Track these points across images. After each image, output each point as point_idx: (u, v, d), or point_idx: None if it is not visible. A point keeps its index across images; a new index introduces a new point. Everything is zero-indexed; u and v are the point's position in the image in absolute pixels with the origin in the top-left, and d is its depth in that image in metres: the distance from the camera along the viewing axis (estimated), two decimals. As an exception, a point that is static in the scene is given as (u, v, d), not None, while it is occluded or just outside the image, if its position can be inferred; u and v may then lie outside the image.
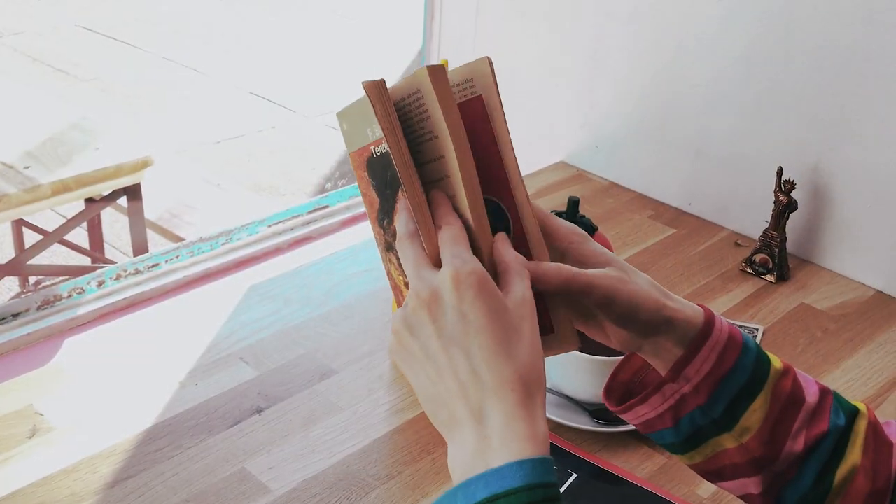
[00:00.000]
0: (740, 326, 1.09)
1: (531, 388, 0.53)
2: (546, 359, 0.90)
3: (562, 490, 0.81)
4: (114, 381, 0.94)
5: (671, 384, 0.65)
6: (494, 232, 0.60)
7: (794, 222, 1.22)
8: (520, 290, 0.56)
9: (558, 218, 0.66)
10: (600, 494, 0.81)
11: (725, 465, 0.67)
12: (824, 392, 0.67)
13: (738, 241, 1.30)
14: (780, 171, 1.18)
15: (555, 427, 0.89)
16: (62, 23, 5.62)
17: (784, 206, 1.18)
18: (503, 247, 0.58)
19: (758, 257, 1.21)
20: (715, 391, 0.64)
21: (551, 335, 0.62)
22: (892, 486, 0.65)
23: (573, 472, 0.83)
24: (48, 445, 0.84)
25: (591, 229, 1.05)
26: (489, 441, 0.52)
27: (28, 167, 2.03)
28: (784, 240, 1.20)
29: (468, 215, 0.57)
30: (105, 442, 0.85)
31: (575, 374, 0.90)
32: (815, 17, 1.16)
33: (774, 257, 1.20)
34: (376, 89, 0.55)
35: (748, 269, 1.22)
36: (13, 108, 2.44)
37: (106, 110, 4.35)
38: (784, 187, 1.18)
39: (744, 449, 0.65)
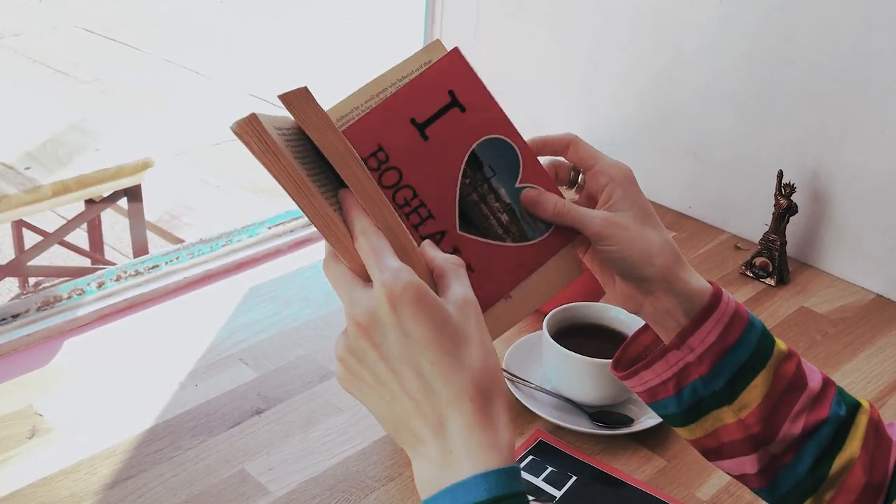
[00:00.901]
0: (740, 329, 1.09)
1: (489, 394, 0.53)
2: (546, 361, 0.92)
3: (561, 492, 0.81)
4: (114, 382, 0.94)
5: (675, 351, 0.66)
6: (507, 170, 0.64)
7: (794, 226, 1.22)
8: (459, 291, 0.54)
9: (551, 136, 0.68)
10: (600, 497, 0.81)
11: (724, 442, 0.68)
12: (828, 382, 0.69)
13: (738, 245, 1.30)
14: (780, 175, 1.18)
15: (555, 429, 0.89)
16: (62, 24, 5.63)
17: (784, 210, 1.19)
18: (432, 251, 0.57)
19: (758, 260, 1.21)
20: (718, 363, 0.65)
21: (507, 301, 0.63)
22: (888, 482, 0.66)
23: (573, 475, 0.83)
24: (48, 446, 0.84)
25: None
26: (452, 454, 0.51)
27: (28, 168, 2.03)
28: (784, 243, 1.20)
29: (380, 223, 0.54)
30: (105, 443, 0.85)
31: (575, 376, 0.90)
32: (814, 21, 1.16)
33: (774, 260, 1.20)
34: (248, 126, 0.52)
35: (748, 273, 1.22)
36: (13, 110, 2.44)
37: (106, 111, 4.35)
38: (784, 191, 1.18)
39: (742, 425, 0.66)
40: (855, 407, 0.68)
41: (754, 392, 0.66)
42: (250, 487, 0.81)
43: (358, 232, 0.55)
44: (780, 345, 0.68)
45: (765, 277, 1.20)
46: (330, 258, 0.57)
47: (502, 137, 0.66)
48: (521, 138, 0.66)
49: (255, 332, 1.03)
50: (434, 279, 0.55)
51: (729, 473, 0.70)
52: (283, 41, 5.60)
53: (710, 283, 0.68)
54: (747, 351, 0.66)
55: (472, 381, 0.52)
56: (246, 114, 0.52)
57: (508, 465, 0.51)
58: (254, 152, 0.53)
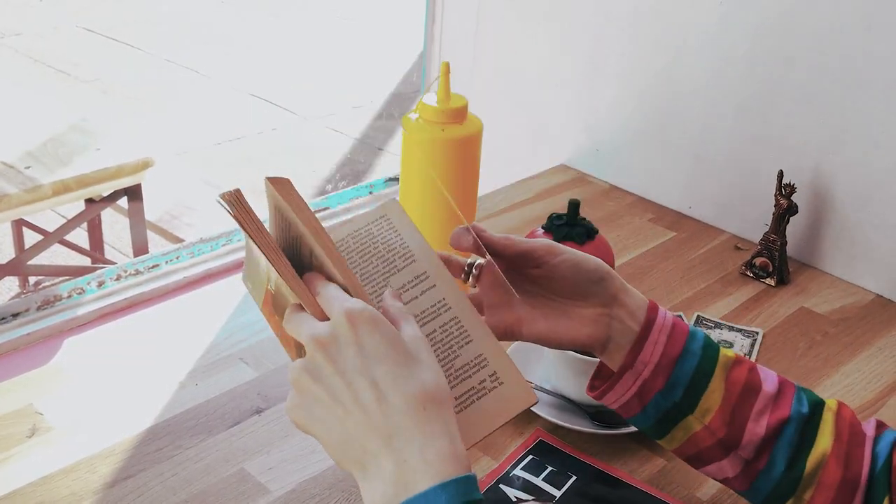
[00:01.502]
0: (740, 330, 1.09)
1: (442, 406, 0.54)
2: (546, 360, 0.93)
3: (561, 492, 0.81)
4: (113, 382, 0.94)
5: (630, 371, 0.69)
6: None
7: (794, 226, 1.23)
8: (410, 330, 0.58)
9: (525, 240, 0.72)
10: (600, 497, 0.81)
11: (700, 448, 0.71)
12: (785, 384, 0.72)
13: (739, 245, 1.30)
14: (780, 175, 1.19)
15: (554, 429, 0.89)
16: (63, 24, 5.63)
17: (784, 210, 1.19)
18: (389, 301, 0.61)
19: (758, 261, 1.21)
20: (671, 375, 0.69)
21: (503, 387, 0.66)
22: (866, 476, 0.67)
23: (572, 475, 0.83)
24: (48, 445, 0.84)
25: (591, 232, 1.05)
26: (408, 465, 0.52)
27: (29, 167, 2.04)
28: (784, 243, 1.20)
29: (342, 281, 0.59)
30: (104, 442, 0.85)
31: (574, 376, 0.90)
32: (815, 21, 1.16)
33: (774, 261, 1.20)
34: (234, 197, 0.59)
35: (748, 273, 1.22)
36: (14, 109, 2.44)
37: (106, 111, 4.35)
38: (784, 191, 1.18)
39: (708, 430, 0.69)
40: (818, 404, 0.71)
41: (712, 397, 0.69)
42: (250, 487, 0.81)
43: (320, 287, 0.59)
44: (727, 352, 0.71)
45: (765, 278, 1.20)
46: (289, 312, 0.60)
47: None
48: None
49: (256, 332, 1.03)
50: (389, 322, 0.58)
51: (714, 478, 0.72)
52: (284, 41, 5.60)
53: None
54: (695, 358, 0.69)
55: (425, 392, 0.53)
56: (232, 188, 0.60)
57: (466, 473, 0.52)
58: (239, 219, 0.59)
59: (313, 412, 0.56)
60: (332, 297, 0.57)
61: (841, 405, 0.72)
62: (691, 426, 0.70)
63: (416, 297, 0.70)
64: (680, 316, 1.08)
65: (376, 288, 0.70)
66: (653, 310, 0.70)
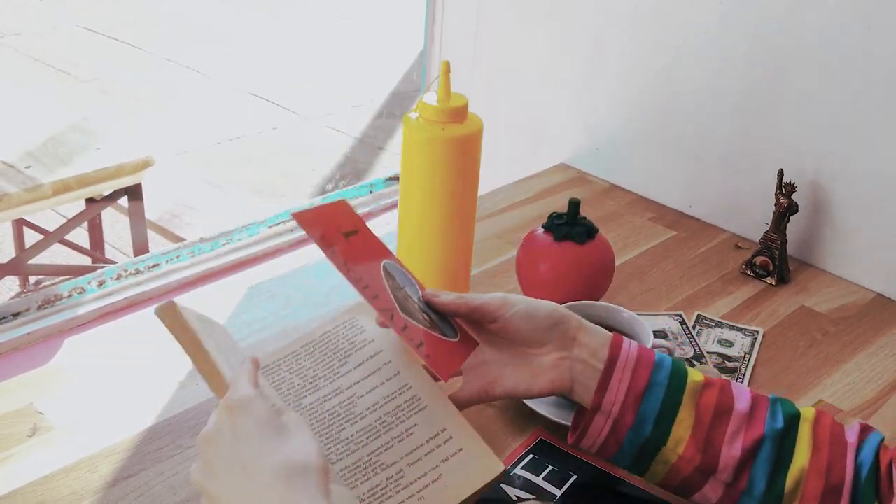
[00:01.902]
0: (740, 329, 1.09)
1: (307, 477, 0.56)
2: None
3: (562, 491, 0.81)
4: (114, 381, 0.94)
5: (600, 412, 0.71)
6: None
7: (794, 225, 1.23)
8: (287, 411, 0.62)
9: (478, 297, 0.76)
10: (600, 496, 0.81)
11: (682, 479, 0.72)
12: (759, 400, 0.72)
13: (739, 244, 1.30)
14: (780, 174, 1.19)
15: (555, 428, 0.89)
16: (63, 23, 5.63)
17: (785, 209, 1.19)
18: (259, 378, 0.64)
19: (758, 260, 1.21)
20: (638, 410, 0.70)
21: (426, 355, 0.71)
22: (850, 484, 0.67)
23: (573, 474, 0.83)
24: (48, 444, 0.84)
25: (591, 231, 1.05)
26: None
27: (29, 167, 2.04)
28: (784, 242, 1.20)
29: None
30: (105, 441, 0.85)
31: (575, 375, 0.90)
32: (815, 20, 1.16)
33: (775, 260, 1.20)
34: (165, 310, 0.69)
35: (748, 272, 1.22)
36: (14, 109, 2.44)
37: (107, 111, 4.35)
38: (785, 190, 1.18)
39: (684, 459, 0.70)
40: (794, 418, 0.71)
41: (682, 426, 0.70)
42: (251, 486, 0.81)
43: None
44: (696, 376, 0.72)
45: (765, 277, 1.20)
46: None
47: (396, 264, 0.79)
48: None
49: (256, 331, 1.03)
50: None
51: None
52: (284, 40, 5.60)
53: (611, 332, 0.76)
54: (661, 389, 0.70)
55: (290, 464, 0.56)
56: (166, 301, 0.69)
57: None
58: (174, 333, 0.67)
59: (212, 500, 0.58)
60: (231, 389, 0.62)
61: (820, 414, 0.72)
62: (667, 458, 0.71)
63: (382, 384, 0.79)
64: (679, 315, 1.08)
65: (333, 377, 0.79)
66: (615, 346, 0.72)
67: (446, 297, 0.76)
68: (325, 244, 0.72)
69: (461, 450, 0.75)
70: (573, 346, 0.73)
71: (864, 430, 0.71)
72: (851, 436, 0.70)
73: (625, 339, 0.74)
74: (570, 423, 0.88)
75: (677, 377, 0.71)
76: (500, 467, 0.75)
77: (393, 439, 0.75)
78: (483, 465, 0.75)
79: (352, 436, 0.76)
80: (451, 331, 0.77)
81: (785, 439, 0.69)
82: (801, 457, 0.68)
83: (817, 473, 0.68)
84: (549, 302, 0.75)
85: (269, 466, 0.56)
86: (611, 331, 0.94)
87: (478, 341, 0.78)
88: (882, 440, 0.71)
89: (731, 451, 0.69)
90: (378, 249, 0.79)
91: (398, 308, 0.73)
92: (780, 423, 0.70)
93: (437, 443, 0.75)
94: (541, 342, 0.74)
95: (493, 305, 0.74)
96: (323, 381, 0.79)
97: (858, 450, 0.69)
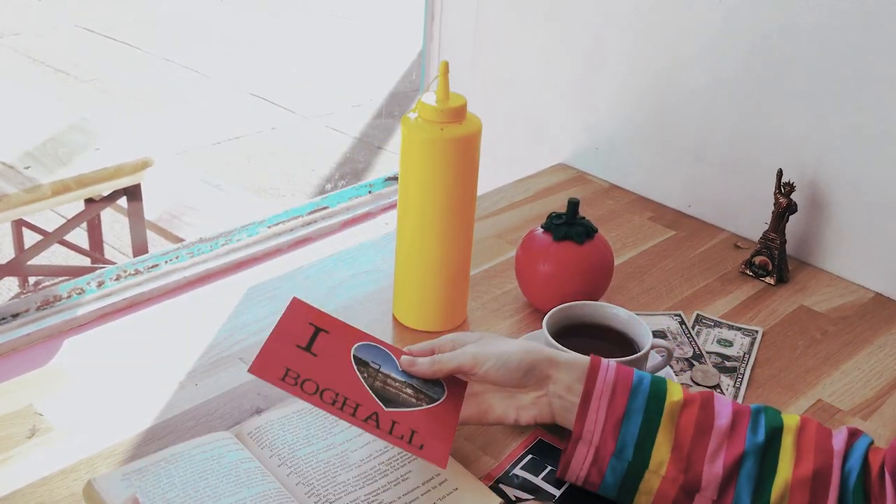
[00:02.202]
0: (739, 329, 1.09)
1: None
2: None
3: (561, 491, 0.81)
4: (113, 382, 0.94)
5: (581, 442, 0.73)
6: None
7: (793, 224, 1.23)
8: None
9: (437, 340, 0.81)
10: (599, 496, 0.81)
11: (669, 503, 0.72)
12: (740, 413, 0.72)
13: (738, 244, 1.30)
14: (779, 174, 1.19)
15: (553, 427, 0.89)
16: (62, 23, 5.62)
17: (784, 209, 1.19)
18: None
19: (757, 259, 1.21)
20: (618, 436, 0.72)
21: (418, 449, 0.74)
22: (836, 492, 0.67)
23: (572, 474, 0.83)
24: (47, 445, 0.84)
25: (591, 231, 1.05)
26: None
27: (28, 167, 2.03)
28: (784, 242, 1.20)
29: None
30: (104, 442, 0.85)
31: (574, 375, 0.90)
32: (814, 20, 1.16)
33: (774, 259, 1.20)
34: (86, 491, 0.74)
35: (748, 272, 1.22)
36: (13, 109, 2.44)
37: (106, 111, 4.35)
38: (784, 189, 1.18)
39: (668, 480, 0.71)
40: (776, 429, 0.71)
41: (661, 450, 0.71)
42: (250, 487, 0.81)
43: None
44: (675, 395, 0.73)
45: (764, 276, 1.20)
46: None
47: (368, 343, 0.81)
48: (376, 338, 0.83)
49: (255, 332, 1.03)
50: None
51: None
52: (283, 40, 5.60)
53: (590, 356, 0.77)
54: (638, 416, 0.72)
55: None
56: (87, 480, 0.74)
57: None
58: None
59: None
60: None
61: (804, 422, 0.72)
62: (652, 483, 0.71)
63: (373, 441, 0.82)
64: (678, 314, 1.08)
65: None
66: (591, 377, 0.74)
67: (421, 367, 0.79)
68: (289, 384, 0.73)
69: (457, 489, 0.78)
70: (548, 383, 0.76)
71: (853, 436, 0.71)
72: (839, 442, 0.70)
73: (602, 364, 0.75)
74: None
75: (655, 400, 0.72)
76: (497, 501, 0.77)
77: (389, 483, 0.78)
78: (479, 501, 0.78)
79: (348, 480, 0.78)
80: (438, 384, 0.80)
81: (767, 453, 0.70)
82: (785, 469, 0.68)
83: (802, 484, 0.68)
84: (520, 346, 0.77)
85: None
86: (609, 330, 0.94)
87: (465, 381, 0.82)
88: (871, 443, 0.71)
89: (713, 469, 0.69)
90: (343, 339, 0.80)
91: (381, 403, 0.76)
92: (761, 437, 0.70)
93: (433, 485, 0.79)
94: (518, 385, 0.77)
95: (466, 365, 0.77)
96: (315, 439, 0.82)
97: (846, 456, 0.69)
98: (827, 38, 1.16)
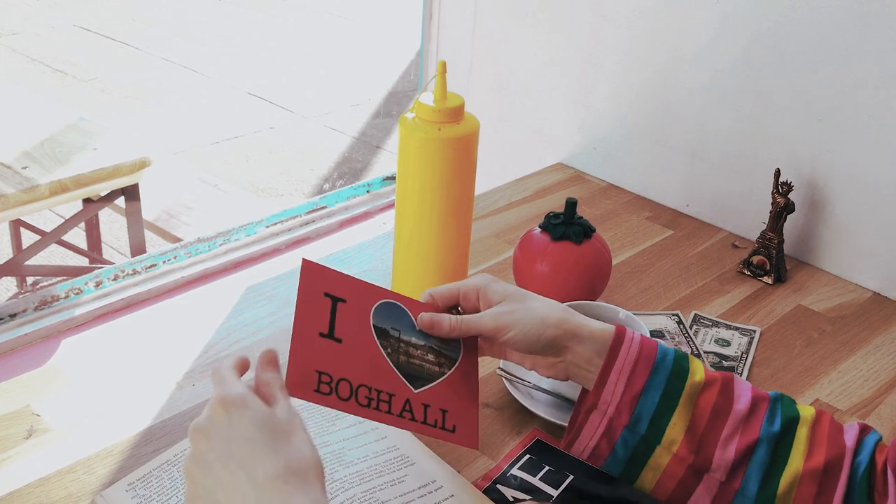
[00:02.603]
0: (737, 328, 1.09)
1: (305, 478, 0.57)
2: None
3: (558, 491, 0.81)
4: (111, 382, 0.94)
5: (595, 412, 0.72)
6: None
7: (791, 224, 1.23)
8: (281, 407, 0.62)
9: (462, 283, 0.79)
10: (596, 496, 0.81)
11: (674, 485, 0.72)
12: (759, 400, 0.72)
13: (736, 243, 1.30)
14: (777, 173, 1.19)
15: (552, 428, 0.89)
16: (60, 23, 5.62)
17: (781, 208, 1.19)
18: (260, 369, 0.65)
19: (755, 259, 1.21)
20: (635, 410, 0.71)
21: (451, 433, 0.74)
22: (843, 487, 0.67)
23: (569, 474, 0.83)
24: (45, 446, 0.84)
25: (588, 230, 1.05)
26: None
27: (26, 167, 2.03)
28: (781, 241, 1.20)
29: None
30: (102, 443, 0.85)
31: (572, 375, 0.90)
32: (811, 19, 1.16)
33: (772, 259, 1.20)
34: None
35: (745, 271, 1.22)
36: (11, 109, 2.44)
37: (104, 111, 4.35)
38: (781, 189, 1.18)
39: (678, 458, 0.70)
40: (792, 420, 0.71)
41: (675, 429, 0.70)
42: (248, 487, 0.81)
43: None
44: (697, 375, 0.72)
45: (762, 276, 1.20)
46: None
47: (381, 301, 0.78)
48: (391, 292, 0.80)
49: (253, 332, 1.03)
50: (262, 394, 0.64)
51: None
52: (281, 40, 5.60)
53: (615, 327, 0.75)
54: (657, 393, 0.71)
55: (288, 467, 0.57)
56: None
57: None
58: None
59: (211, 495, 0.58)
60: (215, 378, 0.63)
61: (820, 415, 0.72)
62: (661, 459, 0.71)
63: (370, 443, 0.82)
64: (676, 314, 1.08)
65: None
66: (613, 352, 0.72)
67: (440, 330, 0.77)
68: (324, 394, 0.70)
69: (453, 496, 0.78)
70: (566, 353, 0.75)
71: (863, 431, 0.71)
72: (850, 438, 0.70)
73: (626, 338, 0.73)
74: (564, 423, 0.88)
75: (676, 378, 0.71)
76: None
77: (386, 483, 0.78)
78: None
79: (345, 477, 0.78)
80: (453, 352, 0.79)
81: (781, 442, 0.69)
82: (796, 460, 0.68)
83: (812, 476, 0.68)
84: (543, 316, 0.75)
85: (268, 468, 0.56)
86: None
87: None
88: (879, 440, 0.71)
89: (726, 453, 0.69)
90: (359, 307, 0.77)
91: (409, 385, 0.75)
92: (777, 427, 0.69)
93: (429, 489, 0.79)
94: (538, 353, 0.76)
95: (487, 332, 0.76)
96: (313, 437, 0.81)
97: (856, 452, 0.69)
98: (824, 38, 1.16)
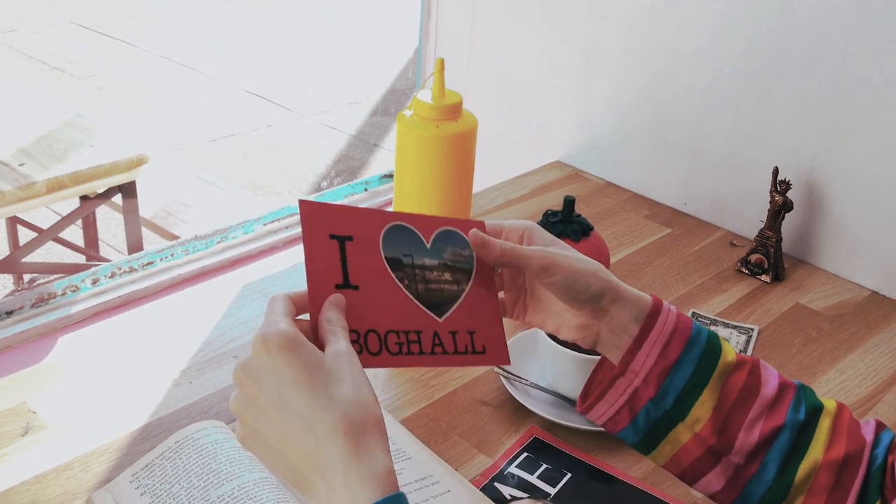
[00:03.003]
0: (735, 327, 1.09)
1: (363, 426, 0.55)
2: (541, 358, 0.92)
3: (556, 489, 0.81)
4: (108, 380, 0.94)
5: (622, 378, 0.69)
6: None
7: (789, 222, 1.23)
8: (335, 347, 0.58)
9: (507, 221, 0.73)
10: (595, 494, 0.81)
11: (689, 463, 0.70)
12: (785, 386, 0.70)
13: (734, 241, 1.30)
14: (775, 172, 1.18)
15: (550, 426, 0.89)
16: (57, 20, 5.61)
17: (779, 207, 1.19)
18: (324, 308, 0.61)
19: (753, 257, 1.21)
20: (663, 383, 0.68)
21: (483, 355, 0.70)
22: (860, 481, 0.67)
23: (567, 472, 0.83)
24: (41, 443, 0.84)
25: (587, 229, 1.05)
26: (335, 492, 0.54)
27: (23, 164, 2.03)
28: (779, 240, 1.20)
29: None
30: (98, 440, 0.85)
31: (569, 372, 0.90)
32: (810, 19, 1.16)
33: (770, 257, 1.20)
34: None
35: (744, 270, 1.22)
36: (8, 106, 2.43)
37: (101, 108, 4.34)
38: (780, 187, 1.18)
39: (699, 438, 0.68)
40: (816, 410, 0.70)
41: (703, 407, 0.68)
42: (244, 485, 0.81)
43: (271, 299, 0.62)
44: (729, 355, 0.70)
45: (760, 274, 1.20)
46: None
47: (387, 227, 0.73)
48: (395, 213, 0.74)
49: (250, 330, 1.03)
50: (320, 333, 0.60)
51: (704, 493, 0.71)
52: (279, 38, 5.59)
53: (651, 296, 0.71)
54: (689, 368, 0.68)
55: (345, 417, 0.55)
56: None
57: (389, 493, 0.53)
58: None
59: (260, 444, 0.57)
60: (266, 311, 0.60)
61: (841, 408, 0.71)
62: (681, 436, 0.69)
63: None
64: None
65: None
66: (650, 321, 0.69)
67: (491, 252, 0.71)
68: (357, 354, 0.65)
69: (449, 491, 0.78)
70: (604, 317, 0.70)
71: (879, 427, 0.71)
72: (868, 432, 0.70)
73: (664, 308, 0.70)
74: (565, 422, 0.88)
75: (710, 356, 0.69)
76: None
77: None
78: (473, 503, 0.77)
79: None
80: (467, 263, 0.74)
81: (804, 431, 0.68)
82: (817, 449, 0.68)
83: (830, 468, 0.67)
84: (589, 269, 0.70)
85: (324, 421, 0.54)
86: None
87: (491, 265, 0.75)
88: (893, 438, 0.70)
89: (749, 437, 0.68)
90: (367, 241, 0.72)
91: (433, 315, 0.71)
92: (801, 415, 0.68)
93: (425, 484, 0.78)
94: (574, 308, 0.71)
95: (535, 269, 0.70)
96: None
97: (873, 446, 0.69)
98: (823, 37, 1.16)
